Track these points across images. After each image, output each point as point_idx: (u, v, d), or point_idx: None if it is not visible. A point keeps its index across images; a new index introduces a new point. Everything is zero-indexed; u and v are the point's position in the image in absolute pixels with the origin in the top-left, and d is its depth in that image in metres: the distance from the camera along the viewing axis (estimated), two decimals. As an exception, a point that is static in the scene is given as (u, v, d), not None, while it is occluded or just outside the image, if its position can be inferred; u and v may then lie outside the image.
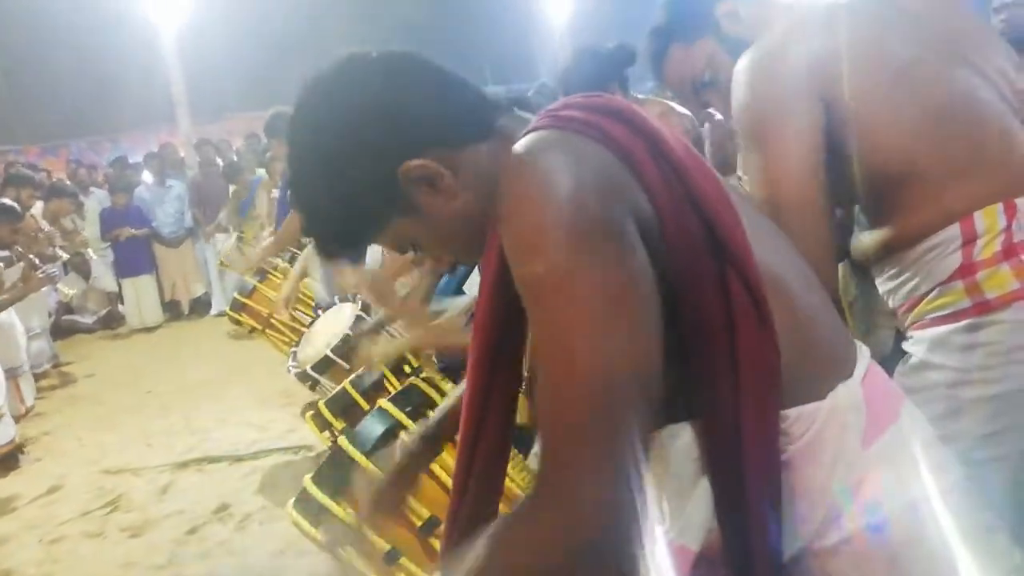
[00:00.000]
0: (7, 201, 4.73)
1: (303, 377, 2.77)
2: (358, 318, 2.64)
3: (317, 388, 2.82)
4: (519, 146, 0.76)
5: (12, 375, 4.31)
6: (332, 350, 2.59)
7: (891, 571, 0.77)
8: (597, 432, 0.65)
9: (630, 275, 0.69)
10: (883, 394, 0.84)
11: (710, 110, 1.63)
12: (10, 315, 4.43)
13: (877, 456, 0.79)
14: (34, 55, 12.35)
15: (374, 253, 3.05)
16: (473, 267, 2.25)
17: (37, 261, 4.45)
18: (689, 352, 0.76)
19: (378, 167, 0.79)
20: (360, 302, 2.72)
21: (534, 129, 0.79)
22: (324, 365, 2.64)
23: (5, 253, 4.34)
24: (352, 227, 0.85)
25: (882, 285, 1.27)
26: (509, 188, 0.73)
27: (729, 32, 1.37)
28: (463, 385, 1.26)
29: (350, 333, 2.59)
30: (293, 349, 3.03)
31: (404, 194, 0.81)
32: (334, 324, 2.77)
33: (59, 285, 5.20)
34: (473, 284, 2.26)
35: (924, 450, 0.83)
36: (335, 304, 3.02)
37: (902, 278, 1.20)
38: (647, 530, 0.67)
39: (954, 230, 1.12)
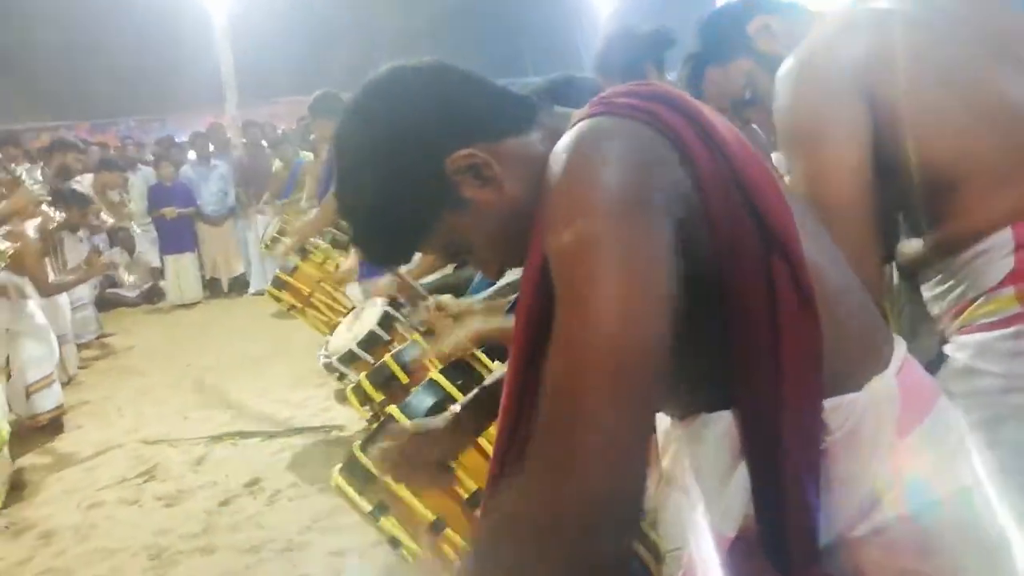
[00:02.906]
0: (81, 189, 4.97)
1: (330, 368, 2.81)
2: (386, 314, 2.67)
3: (344, 380, 2.86)
4: (570, 131, 0.77)
5: (58, 344, 4.45)
6: (358, 344, 2.62)
7: (921, 562, 0.77)
8: (601, 407, 0.65)
9: (656, 254, 0.69)
10: (919, 386, 0.84)
11: (752, 126, 1.62)
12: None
13: (912, 447, 0.78)
14: (88, 34, 12.63)
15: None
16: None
17: (101, 246, 4.63)
18: (731, 338, 0.76)
19: (425, 160, 0.81)
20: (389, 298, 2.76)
21: (588, 116, 0.80)
22: (349, 358, 2.68)
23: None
24: (401, 227, 0.87)
25: (928, 291, 1.24)
26: (553, 169, 0.74)
27: (763, 48, 1.37)
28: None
29: (375, 329, 2.62)
30: (327, 337, 3.08)
31: (452, 187, 0.82)
32: (364, 318, 2.81)
33: (122, 272, 5.45)
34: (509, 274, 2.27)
35: (960, 441, 0.82)
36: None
37: (949, 283, 1.18)
38: (640, 518, 0.68)
39: (1006, 235, 1.10)
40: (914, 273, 1.30)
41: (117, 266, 5.31)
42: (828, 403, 0.77)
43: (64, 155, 5.71)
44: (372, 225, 0.88)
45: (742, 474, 0.78)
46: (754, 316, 0.75)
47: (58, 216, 4.03)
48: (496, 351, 1.72)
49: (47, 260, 4.08)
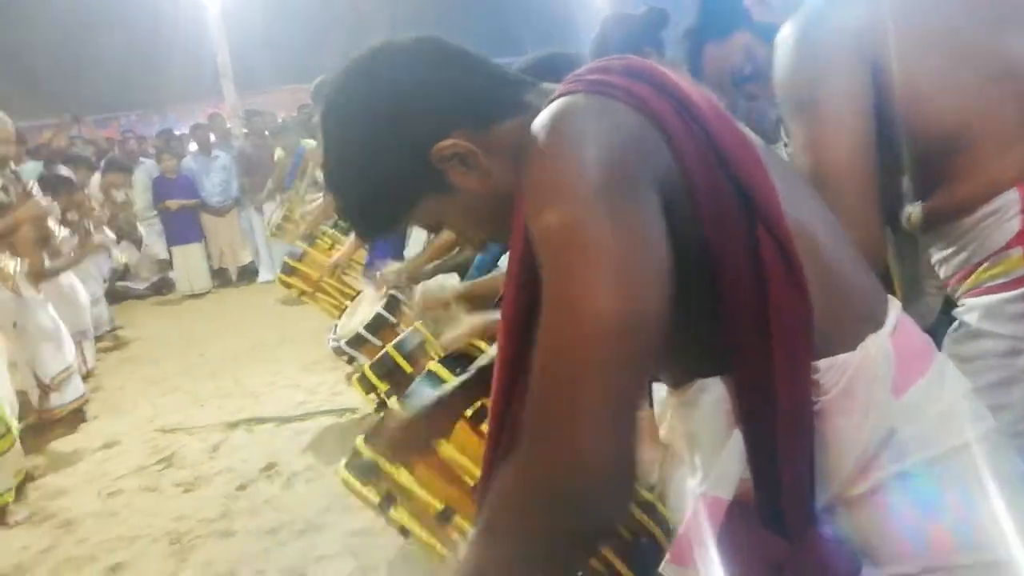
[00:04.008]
0: (64, 171, 4.95)
1: (339, 351, 2.84)
2: (392, 297, 2.68)
3: (353, 363, 2.88)
4: (545, 111, 0.78)
5: (77, 339, 4.48)
6: (365, 327, 2.64)
7: (922, 521, 0.78)
8: (595, 380, 0.66)
9: (642, 231, 0.70)
10: (914, 345, 0.84)
11: (757, 103, 1.62)
12: (72, 281, 4.61)
13: (908, 406, 0.79)
14: (83, 28, 12.59)
15: (417, 242, 3.11)
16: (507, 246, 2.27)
17: (92, 227, 4.62)
18: (720, 307, 0.77)
19: (410, 148, 0.82)
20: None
21: (562, 94, 0.80)
22: (358, 342, 2.71)
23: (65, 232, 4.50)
24: (385, 207, 0.88)
25: (935, 254, 1.25)
26: (532, 149, 0.75)
27: (760, 19, 1.36)
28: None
29: (382, 312, 2.64)
30: (335, 322, 3.10)
31: (436, 173, 0.83)
32: (371, 301, 2.83)
33: (114, 252, 5.44)
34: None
35: (957, 401, 0.83)
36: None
37: (956, 246, 1.18)
38: (634, 484, 0.69)
39: (1011, 195, 1.10)
40: (920, 236, 1.30)
41: (110, 247, 5.31)
42: (822, 363, 0.78)
43: (75, 170, 5.81)
44: (355, 204, 0.89)
45: (738, 438, 0.79)
46: (742, 287, 0.76)
47: (52, 206, 4.01)
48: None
49: (40, 248, 4.08)
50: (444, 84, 0.83)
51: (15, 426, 3.13)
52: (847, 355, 0.78)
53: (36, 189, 3.96)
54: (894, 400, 0.79)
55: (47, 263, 4.07)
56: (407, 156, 0.82)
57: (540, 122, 0.76)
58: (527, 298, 0.80)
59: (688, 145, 0.76)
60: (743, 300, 0.76)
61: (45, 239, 4.04)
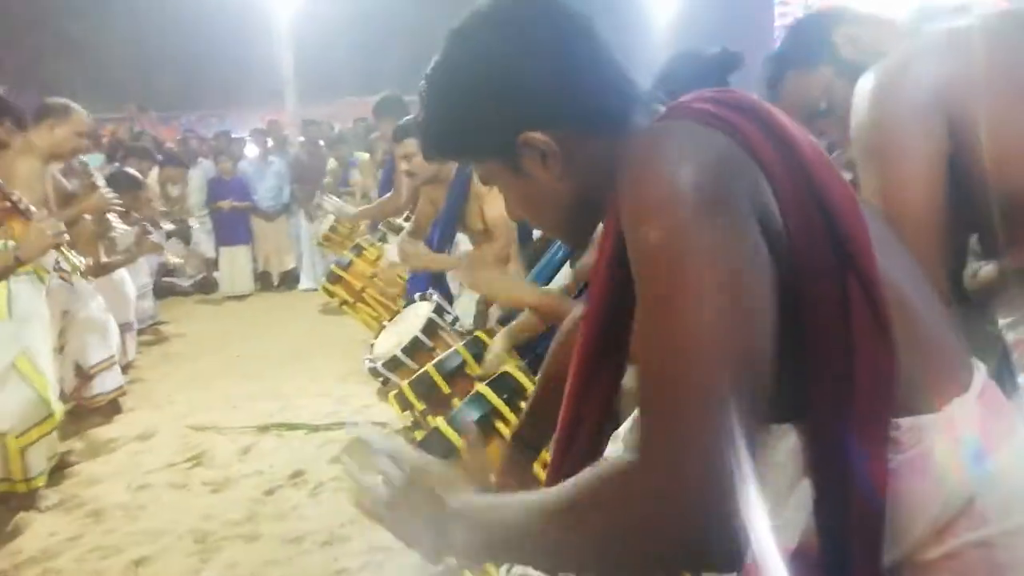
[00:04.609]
0: (131, 171, 5.12)
1: (375, 373, 2.85)
2: (430, 321, 2.69)
3: (388, 384, 2.89)
4: (648, 131, 0.79)
5: (121, 330, 4.58)
6: (402, 351, 2.66)
7: None
8: (702, 405, 0.64)
9: (745, 255, 0.69)
10: (999, 413, 0.82)
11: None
12: (123, 274, 4.72)
13: (991, 474, 0.77)
14: (155, 27, 13.05)
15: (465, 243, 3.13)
16: (565, 260, 2.27)
17: (149, 226, 4.74)
18: (803, 353, 0.75)
19: (505, 121, 0.84)
20: (435, 303, 2.77)
21: (663, 119, 0.81)
22: (394, 364, 2.72)
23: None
24: (454, 146, 0.91)
25: (1004, 318, 1.21)
26: (632, 167, 0.74)
27: (848, 57, 1.36)
28: (537, 383, 1.28)
29: (419, 336, 2.65)
30: (371, 342, 3.12)
31: (514, 152, 0.85)
32: (408, 323, 2.83)
33: (168, 254, 5.64)
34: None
35: None
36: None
37: None
38: (745, 515, 0.65)
39: None
40: (985, 299, 1.26)
41: (164, 247, 5.49)
42: (903, 421, 0.76)
43: (140, 162, 6.06)
44: (432, 126, 0.91)
45: (805, 487, 0.77)
46: (827, 331, 0.74)
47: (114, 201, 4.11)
48: (535, 366, 1.74)
49: (99, 242, 4.19)
50: (564, 77, 0.83)
51: (59, 411, 3.18)
52: (930, 416, 0.76)
53: (101, 180, 4.06)
54: (976, 466, 0.76)
55: (103, 258, 4.18)
56: (497, 125, 0.84)
57: (641, 143, 0.76)
58: (609, 313, 0.82)
59: (786, 183, 0.75)
60: (828, 344, 0.74)
61: (104, 233, 4.14)
